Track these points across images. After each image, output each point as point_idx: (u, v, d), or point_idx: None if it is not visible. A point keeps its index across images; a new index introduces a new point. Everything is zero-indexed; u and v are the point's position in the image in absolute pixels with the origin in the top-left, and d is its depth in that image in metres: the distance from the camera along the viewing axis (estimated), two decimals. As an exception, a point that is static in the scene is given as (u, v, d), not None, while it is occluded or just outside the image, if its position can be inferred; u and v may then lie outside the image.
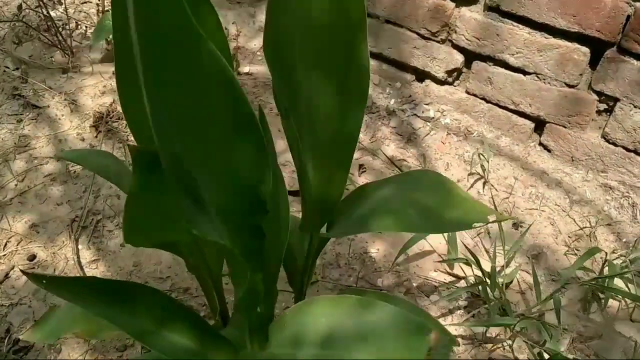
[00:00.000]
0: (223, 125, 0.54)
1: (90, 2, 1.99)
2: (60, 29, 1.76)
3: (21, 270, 0.61)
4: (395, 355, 0.46)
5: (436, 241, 1.28)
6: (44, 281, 0.60)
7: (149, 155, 0.52)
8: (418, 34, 1.56)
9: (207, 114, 0.53)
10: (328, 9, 0.59)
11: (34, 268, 1.22)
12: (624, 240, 1.29)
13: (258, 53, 1.79)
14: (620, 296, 1.17)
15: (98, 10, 1.88)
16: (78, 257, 1.23)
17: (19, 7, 1.77)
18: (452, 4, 1.47)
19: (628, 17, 1.24)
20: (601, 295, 1.18)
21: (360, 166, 1.47)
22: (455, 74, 1.57)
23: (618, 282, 1.18)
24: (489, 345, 1.10)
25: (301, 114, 0.66)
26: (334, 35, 0.60)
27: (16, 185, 1.38)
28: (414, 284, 1.21)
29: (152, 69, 0.48)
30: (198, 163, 0.55)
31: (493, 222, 0.67)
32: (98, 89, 1.65)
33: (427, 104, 1.61)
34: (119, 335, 0.82)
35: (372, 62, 1.70)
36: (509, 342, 1.10)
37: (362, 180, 1.44)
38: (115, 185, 0.75)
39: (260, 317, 0.67)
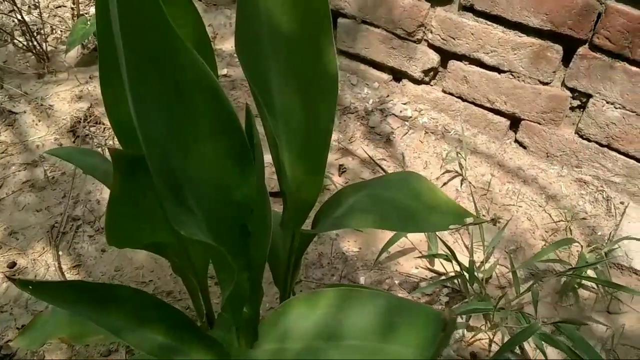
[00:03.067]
0: (205, 125, 0.54)
1: (65, 7, 1.97)
2: (35, 34, 1.74)
3: (7, 277, 0.61)
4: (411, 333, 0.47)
5: (417, 239, 1.30)
6: (30, 287, 0.60)
7: (129, 157, 0.53)
8: (394, 34, 1.58)
9: (190, 115, 0.54)
10: (293, 15, 0.60)
11: (14, 275, 1.20)
12: (599, 233, 1.33)
13: (234, 55, 1.79)
14: (596, 288, 1.20)
15: (73, 15, 1.87)
16: (59, 264, 1.22)
17: (-8, 12, 1.75)
18: (427, 4, 1.49)
19: (599, 14, 1.27)
20: (577, 288, 1.21)
21: (340, 166, 1.48)
22: (431, 73, 1.59)
23: (594, 276, 1.21)
24: (470, 337, 1.12)
25: (276, 115, 0.67)
26: (300, 41, 0.61)
27: (-7, 192, 1.36)
28: (396, 281, 1.22)
29: (135, 73, 0.49)
30: (182, 164, 0.56)
31: (470, 224, 0.69)
32: (74, 93, 1.64)
33: (404, 104, 1.63)
34: (103, 339, 0.82)
35: (349, 63, 1.72)
36: (490, 333, 1.12)
37: (342, 179, 1.45)
38: (102, 183, 0.75)
39: (247, 316, 0.67)
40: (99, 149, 1.48)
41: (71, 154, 0.81)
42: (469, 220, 0.67)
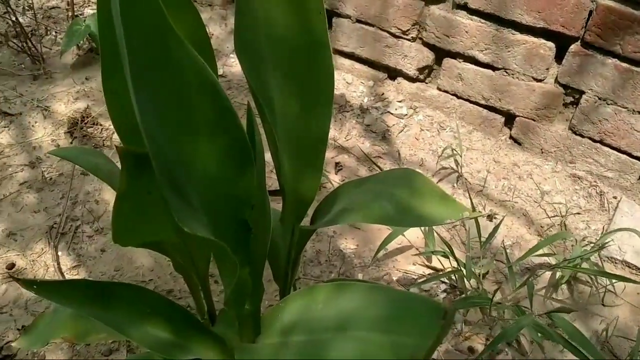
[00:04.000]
0: (207, 124, 0.55)
1: (59, 8, 1.97)
2: (29, 35, 1.75)
3: (11, 277, 0.62)
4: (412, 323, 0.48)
5: (414, 236, 1.31)
6: (35, 286, 0.61)
7: (136, 155, 0.54)
8: (389, 32, 1.59)
9: (191, 114, 0.55)
10: (290, 18, 0.62)
11: (13, 276, 1.21)
12: (593, 227, 1.34)
13: (231, 55, 1.80)
14: (590, 281, 1.22)
15: (68, 16, 1.87)
16: (58, 264, 1.22)
17: (-13, 14, 1.75)
18: (422, 3, 1.50)
19: (590, 12, 1.28)
20: (571, 282, 1.22)
21: (337, 164, 1.49)
22: (426, 71, 1.61)
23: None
24: (467, 332, 1.13)
25: (275, 115, 0.68)
26: (299, 50, 0.63)
27: (-9, 193, 1.37)
28: (394, 278, 1.24)
29: (138, 73, 0.50)
30: (184, 162, 0.57)
31: (466, 218, 0.70)
32: (71, 94, 1.64)
33: (399, 101, 1.64)
34: (105, 337, 0.82)
35: (345, 61, 1.73)
36: (487, 328, 1.13)
37: (339, 177, 1.46)
38: (106, 183, 0.76)
39: (248, 312, 0.68)
40: (98, 149, 1.49)
41: (74, 155, 0.82)
42: (466, 214, 0.69)
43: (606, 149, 1.40)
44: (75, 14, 1.87)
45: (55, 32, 1.86)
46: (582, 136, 1.43)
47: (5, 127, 1.55)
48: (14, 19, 1.72)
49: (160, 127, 0.53)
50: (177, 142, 0.55)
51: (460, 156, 1.48)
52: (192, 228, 0.52)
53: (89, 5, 2.02)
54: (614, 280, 1.21)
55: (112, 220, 0.56)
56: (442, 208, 0.71)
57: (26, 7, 1.94)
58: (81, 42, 1.73)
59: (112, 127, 1.52)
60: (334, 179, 1.45)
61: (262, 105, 0.68)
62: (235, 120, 0.55)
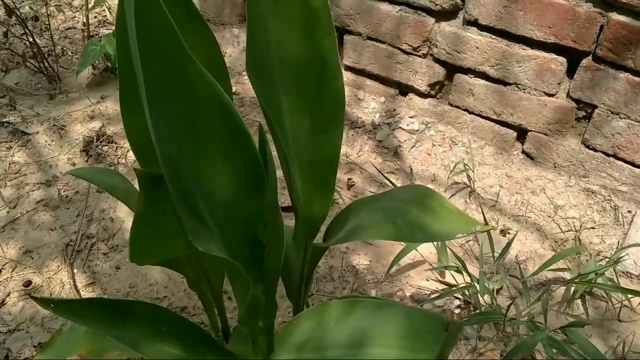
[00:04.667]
0: (220, 145, 0.56)
1: (75, 28, 2.01)
2: (46, 56, 1.78)
3: (30, 295, 0.63)
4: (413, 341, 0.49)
5: (427, 251, 1.31)
6: (52, 305, 0.62)
7: (153, 177, 0.55)
8: (400, 49, 1.60)
9: (206, 135, 0.56)
10: (302, 50, 0.63)
11: (30, 294, 1.22)
12: (608, 242, 1.33)
13: (244, 73, 1.82)
14: (606, 296, 1.21)
15: (83, 36, 1.91)
16: (74, 281, 1.23)
17: (5, 35, 1.79)
18: (432, 20, 1.51)
19: (601, 27, 1.29)
20: (587, 297, 1.21)
21: (349, 180, 1.50)
22: (437, 86, 1.61)
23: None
24: (481, 348, 1.12)
25: (287, 134, 0.69)
26: (309, 72, 0.64)
27: (8, 212, 1.39)
28: (407, 294, 1.23)
29: (153, 96, 0.51)
30: (198, 182, 0.57)
31: (477, 232, 0.70)
32: (86, 113, 1.67)
33: (411, 117, 1.65)
34: (120, 355, 0.83)
35: (356, 78, 1.74)
36: (501, 343, 1.12)
37: (351, 193, 1.46)
38: (122, 202, 0.77)
39: (262, 329, 0.69)
40: (113, 168, 1.51)
41: (92, 175, 0.83)
42: (478, 228, 0.69)
43: (620, 162, 1.40)
44: (91, 34, 1.91)
45: (72, 52, 1.89)
46: (595, 150, 1.42)
47: (22, 146, 1.57)
48: (31, 40, 1.76)
49: (175, 148, 0.54)
50: (192, 163, 0.56)
51: (473, 171, 1.48)
52: (206, 248, 0.53)
53: (104, 26, 2.06)
54: (630, 295, 1.19)
55: (129, 241, 0.57)
56: (454, 223, 0.71)
57: (43, 29, 1.97)
58: (97, 61, 1.76)
59: (126, 145, 1.55)
60: (346, 195, 1.46)
61: (273, 126, 0.69)
62: (249, 142, 0.56)
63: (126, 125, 0.64)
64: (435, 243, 1.30)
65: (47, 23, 1.99)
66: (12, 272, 1.26)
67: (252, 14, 0.64)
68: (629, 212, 1.39)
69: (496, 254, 1.25)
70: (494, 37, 1.44)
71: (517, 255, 1.31)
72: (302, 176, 0.72)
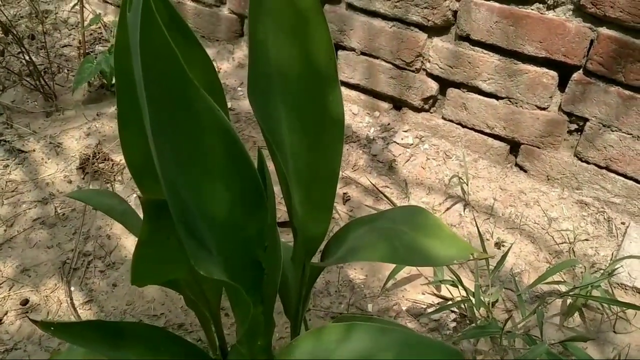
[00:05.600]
0: (220, 169, 0.57)
1: (71, 46, 2.02)
2: (42, 73, 1.79)
3: (30, 319, 0.64)
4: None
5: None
6: (52, 328, 0.63)
7: (156, 204, 0.56)
8: (393, 64, 1.62)
9: (206, 159, 0.57)
10: (299, 63, 0.64)
11: (27, 312, 1.22)
12: (602, 254, 1.34)
13: (239, 89, 1.83)
14: (601, 308, 1.22)
15: (79, 54, 1.92)
16: (71, 299, 1.24)
17: (1, 53, 1.80)
18: (425, 35, 1.53)
19: (592, 41, 1.31)
20: (582, 309, 1.22)
21: (344, 194, 1.51)
22: (431, 101, 1.63)
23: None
24: (480, 364, 1.13)
25: (286, 154, 0.70)
26: (307, 86, 0.65)
27: (5, 230, 1.39)
28: (403, 308, 1.24)
29: (157, 120, 0.52)
30: (199, 205, 0.58)
31: (474, 259, 0.72)
32: (82, 131, 1.68)
33: (405, 131, 1.66)
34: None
35: (351, 93, 1.75)
36: (498, 357, 1.13)
37: (346, 208, 1.47)
38: (120, 223, 0.78)
39: (260, 348, 0.69)
40: (109, 185, 1.51)
41: (89, 197, 0.84)
42: (475, 255, 0.70)
43: (612, 175, 1.41)
44: (87, 51, 1.92)
45: (67, 70, 1.90)
46: (588, 163, 1.44)
47: (19, 164, 1.58)
48: (27, 58, 1.77)
49: (178, 173, 0.55)
50: (194, 186, 0.57)
51: (467, 184, 1.50)
52: (207, 271, 0.53)
53: (99, 43, 2.07)
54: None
55: (132, 265, 0.58)
56: (450, 248, 0.73)
57: (39, 47, 1.98)
58: (92, 79, 1.77)
59: (122, 162, 1.55)
60: (342, 210, 1.47)
61: (272, 144, 0.69)
62: (249, 165, 0.57)
63: (123, 146, 0.65)
64: (431, 257, 1.31)
65: (43, 41, 2.00)
66: (9, 290, 1.26)
67: (253, 32, 0.65)
68: (623, 223, 1.40)
69: (491, 267, 1.26)
70: (485, 52, 1.46)
71: (512, 268, 1.32)
72: (300, 198, 0.72)
